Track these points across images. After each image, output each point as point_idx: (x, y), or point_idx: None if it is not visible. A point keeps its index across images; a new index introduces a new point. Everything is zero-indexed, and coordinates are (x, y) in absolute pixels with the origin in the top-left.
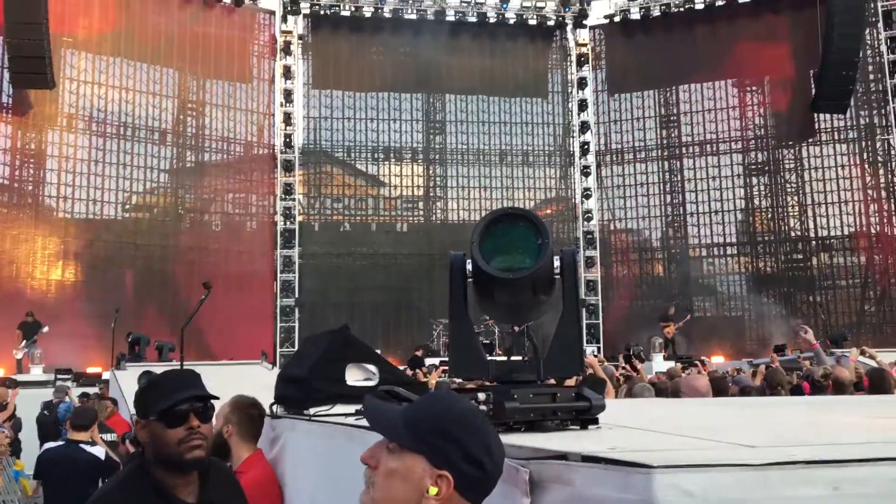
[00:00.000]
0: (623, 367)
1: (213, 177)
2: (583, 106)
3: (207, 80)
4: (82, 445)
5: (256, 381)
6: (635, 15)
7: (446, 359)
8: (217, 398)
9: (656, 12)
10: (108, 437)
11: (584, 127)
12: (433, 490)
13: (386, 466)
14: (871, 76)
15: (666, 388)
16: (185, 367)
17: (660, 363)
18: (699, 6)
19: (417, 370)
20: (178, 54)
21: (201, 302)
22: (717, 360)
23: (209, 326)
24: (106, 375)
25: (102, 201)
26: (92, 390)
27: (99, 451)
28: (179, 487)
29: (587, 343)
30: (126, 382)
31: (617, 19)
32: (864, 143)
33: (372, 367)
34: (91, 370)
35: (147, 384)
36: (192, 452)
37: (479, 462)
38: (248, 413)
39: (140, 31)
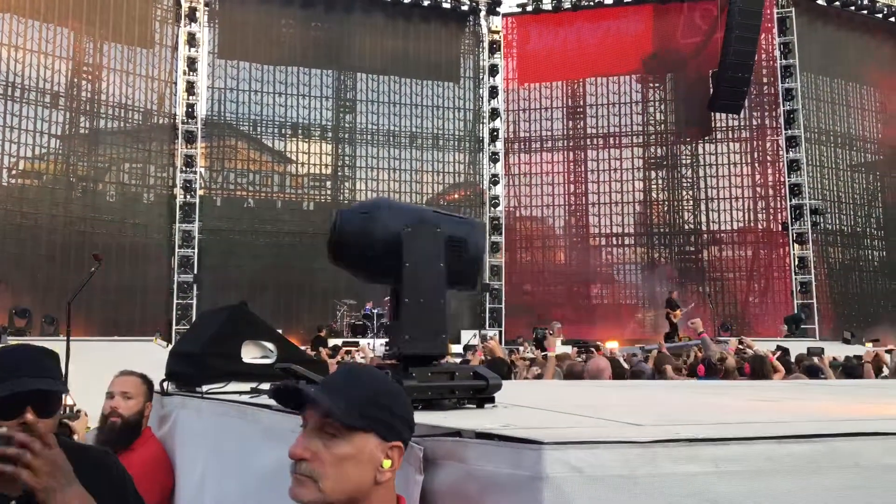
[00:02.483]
0: (532, 351)
1: (109, 145)
2: (493, 93)
3: (105, 42)
4: None
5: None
6: (547, 5)
7: (350, 339)
8: (64, 390)
9: (567, 4)
10: None
11: (494, 114)
12: (387, 463)
13: (333, 454)
14: (765, 79)
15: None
16: (40, 346)
17: (558, 347)
18: (608, 1)
19: (321, 349)
20: (74, 13)
21: (91, 274)
22: (612, 346)
23: (100, 301)
24: None
25: None
26: None
27: None
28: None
29: (490, 327)
30: None
31: (529, 9)
32: (755, 143)
33: (270, 345)
34: None
35: None
36: None
37: (413, 427)
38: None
39: None
